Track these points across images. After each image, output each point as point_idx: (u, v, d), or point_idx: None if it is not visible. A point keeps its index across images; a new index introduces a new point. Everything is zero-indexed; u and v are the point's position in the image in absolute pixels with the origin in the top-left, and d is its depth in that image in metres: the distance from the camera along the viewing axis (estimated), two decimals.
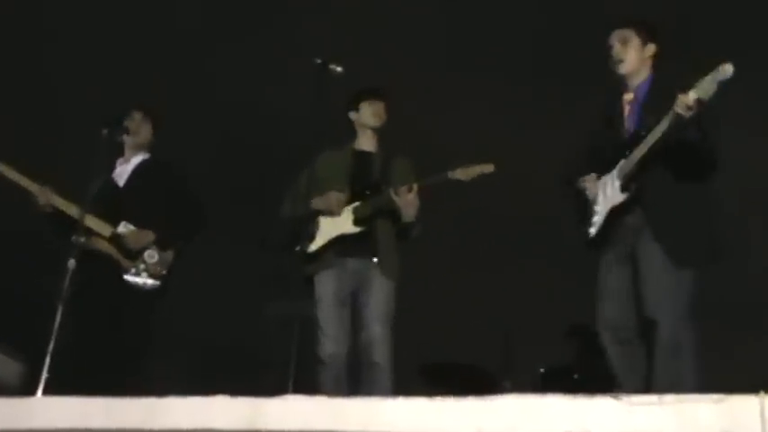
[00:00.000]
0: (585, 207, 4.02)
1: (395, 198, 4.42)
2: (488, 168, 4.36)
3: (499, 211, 4.46)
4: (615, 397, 2.55)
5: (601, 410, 2.53)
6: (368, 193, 4.53)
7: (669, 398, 2.49)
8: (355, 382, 4.36)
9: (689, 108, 3.53)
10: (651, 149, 3.72)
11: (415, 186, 4.42)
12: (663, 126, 3.66)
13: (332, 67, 4.22)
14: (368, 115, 4.68)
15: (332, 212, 4.53)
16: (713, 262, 3.76)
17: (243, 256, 6.86)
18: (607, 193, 3.92)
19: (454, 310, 6.99)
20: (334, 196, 4.54)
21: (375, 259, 4.46)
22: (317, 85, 4.18)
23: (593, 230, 3.95)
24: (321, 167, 4.53)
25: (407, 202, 4.42)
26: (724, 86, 3.47)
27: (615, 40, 4.07)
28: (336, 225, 4.53)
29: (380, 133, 4.75)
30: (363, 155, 4.71)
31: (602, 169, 3.98)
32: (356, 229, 4.50)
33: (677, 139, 3.67)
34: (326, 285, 4.48)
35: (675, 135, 3.65)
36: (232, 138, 7.18)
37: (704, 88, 3.51)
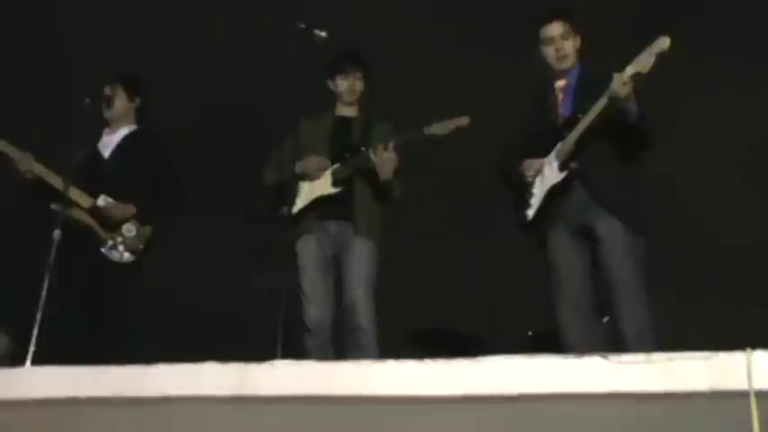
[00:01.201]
0: (521, 192, 4.14)
1: (372, 157, 4.43)
2: (464, 121, 4.35)
3: (487, 176, 4.46)
4: (603, 356, 2.56)
5: (590, 369, 2.54)
6: (347, 155, 4.54)
7: (658, 356, 2.50)
8: (342, 348, 4.36)
9: (624, 84, 3.70)
10: (588, 128, 3.87)
11: (391, 144, 4.42)
12: (599, 105, 3.82)
13: (316, 32, 4.19)
14: (342, 89, 4.72)
15: (312, 176, 4.54)
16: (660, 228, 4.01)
17: (230, 228, 6.85)
18: (545, 175, 4.05)
19: (441, 275, 7.02)
20: (315, 160, 4.55)
21: (350, 222, 4.47)
22: (301, 50, 4.15)
23: (530, 212, 4.08)
24: (303, 134, 4.51)
25: (383, 159, 4.42)
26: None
27: (555, 34, 4.17)
28: (316, 187, 4.55)
29: (361, 99, 4.76)
30: (344, 120, 4.73)
31: (539, 154, 4.10)
32: (334, 190, 4.51)
33: (617, 122, 3.82)
34: (308, 251, 4.49)
35: (616, 117, 3.80)
36: (217, 107, 7.14)
37: (642, 62, 3.70)
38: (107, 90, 4.86)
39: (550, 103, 4.18)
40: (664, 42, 3.68)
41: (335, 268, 4.50)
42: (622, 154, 3.94)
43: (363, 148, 4.51)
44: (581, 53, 4.23)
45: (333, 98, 4.77)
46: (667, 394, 2.43)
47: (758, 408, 2.29)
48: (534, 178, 4.09)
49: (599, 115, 3.84)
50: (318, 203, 4.53)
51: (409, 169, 4.61)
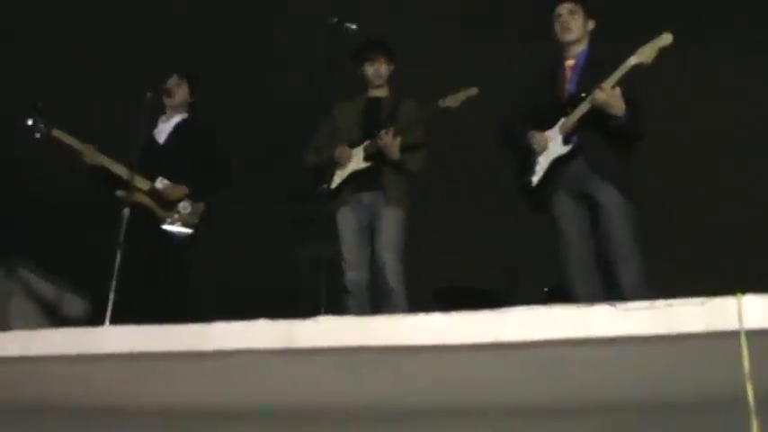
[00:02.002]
0: (527, 159, 4.23)
1: (378, 143, 4.52)
2: (473, 92, 4.43)
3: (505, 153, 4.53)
4: (612, 305, 2.60)
5: (600, 317, 2.57)
6: (376, 133, 4.60)
7: (659, 303, 2.52)
8: (377, 305, 4.44)
9: (606, 94, 3.86)
10: (588, 112, 3.99)
11: (392, 130, 4.51)
12: (582, 108, 3.98)
13: (347, 25, 4.29)
14: (370, 74, 4.82)
15: (342, 164, 4.64)
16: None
17: (277, 205, 6.92)
18: (549, 147, 4.13)
19: (463, 238, 7.07)
20: (342, 151, 4.65)
21: (382, 192, 4.57)
22: (334, 42, 4.24)
23: (535, 179, 4.18)
24: (339, 117, 4.66)
25: (385, 144, 4.51)
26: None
27: (564, 10, 4.27)
28: (350, 164, 4.64)
29: (389, 80, 4.85)
30: (375, 101, 4.83)
31: (544, 126, 4.19)
32: (365, 165, 4.61)
33: (608, 125, 3.96)
34: (346, 221, 4.62)
35: (607, 121, 3.94)
36: (259, 96, 7.20)
37: (645, 53, 3.84)
38: (173, 80, 4.97)
39: (559, 79, 4.24)
40: (666, 38, 3.81)
41: (370, 235, 4.58)
42: (613, 142, 4.03)
43: (376, 132, 4.58)
44: (592, 37, 4.29)
45: (365, 83, 4.85)
46: (668, 336, 2.47)
47: (748, 345, 2.33)
48: (543, 148, 4.16)
49: (584, 114, 3.97)
50: (353, 177, 4.60)
51: (434, 138, 4.66)
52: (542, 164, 4.15)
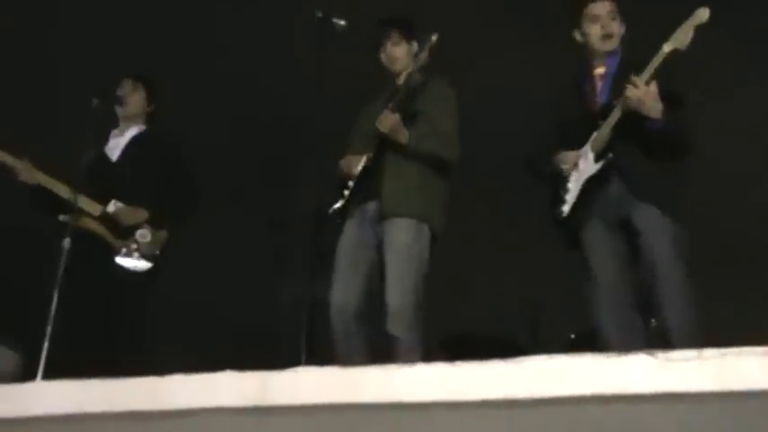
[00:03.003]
0: (556, 187, 4.09)
1: (379, 127, 4.29)
2: (433, 40, 4.29)
3: (527, 182, 4.42)
4: (650, 354, 2.51)
5: (635, 368, 2.49)
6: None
7: (709, 352, 2.44)
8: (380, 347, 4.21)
9: (638, 90, 3.73)
10: (620, 120, 3.85)
11: (388, 108, 4.29)
12: (614, 116, 3.86)
13: (334, 20, 4.18)
14: (386, 62, 4.57)
15: (351, 174, 4.40)
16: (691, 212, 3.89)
17: (253, 234, 6.88)
18: (580, 168, 3.99)
19: (481, 281, 7.00)
20: (347, 161, 4.43)
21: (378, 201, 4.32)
22: (320, 40, 4.14)
23: (566, 208, 4.02)
24: (361, 119, 4.55)
25: (386, 123, 4.26)
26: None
27: (602, 12, 4.10)
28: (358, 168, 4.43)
29: (414, 61, 4.54)
30: (397, 90, 4.50)
31: (574, 144, 4.04)
32: (363, 165, 4.37)
33: (641, 129, 3.81)
34: (346, 234, 4.36)
35: (640, 124, 3.80)
36: (239, 108, 7.17)
37: (680, 38, 3.70)
38: (127, 86, 4.88)
39: (588, 90, 4.11)
40: (702, 14, 3.67)
41: (375, 254, 4.31)
42: (653, 152, 3.88)
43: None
44: (623, 42, 4.17)
45: (392, 76, 4.61)
46: (721, 393, 2.39)
47: None
48: (570, 171, 4.03)
49: (617, 123, 3.86)
50: (357, 186, 4.38)
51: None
52: (572, 190, 4.00)
